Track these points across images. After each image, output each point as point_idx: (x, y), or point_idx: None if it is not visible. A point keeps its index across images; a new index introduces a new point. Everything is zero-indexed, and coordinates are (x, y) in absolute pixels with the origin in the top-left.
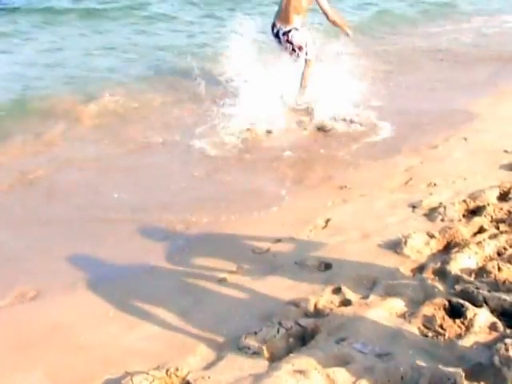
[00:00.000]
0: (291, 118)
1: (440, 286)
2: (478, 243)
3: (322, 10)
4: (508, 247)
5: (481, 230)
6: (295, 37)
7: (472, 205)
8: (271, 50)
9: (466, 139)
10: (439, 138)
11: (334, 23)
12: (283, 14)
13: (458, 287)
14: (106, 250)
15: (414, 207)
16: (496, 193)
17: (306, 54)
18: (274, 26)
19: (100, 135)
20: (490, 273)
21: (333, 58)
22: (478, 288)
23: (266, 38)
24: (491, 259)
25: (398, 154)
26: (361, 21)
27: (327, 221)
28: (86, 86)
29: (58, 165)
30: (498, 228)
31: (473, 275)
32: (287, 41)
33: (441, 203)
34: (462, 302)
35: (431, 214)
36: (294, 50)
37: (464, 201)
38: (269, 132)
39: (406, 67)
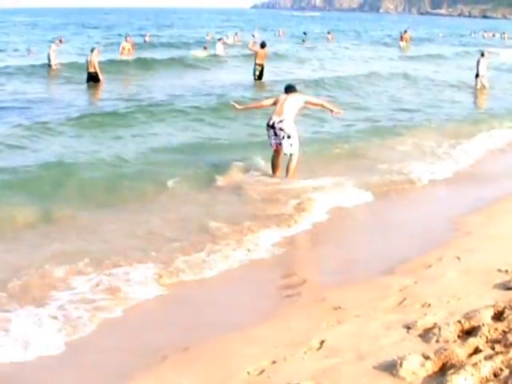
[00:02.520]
0: None
1: None
2: (474, 364)
3: (317, 105)
4: (504, 368)
5: (476, 351)
6: (287, 124)
7: (467, 325)
8: None
9: (459, 258)
10: (432, 257)
11: (324, 106)
12: (278, 110)
13: None
14: None
15: (408, 328)
16: (491, 313)
17: (291, 145)
18: (269, 119)
19: None
20: None
21: None
22: None
23: None
24: (487, 381)
25: (392, 273)
26: None
27: (322, 342)
28: None
29: None
30: (493, 348)
31: None
32: (280, 128)
33: (435, 324)
34: None
35: (426, 334)
36: (283, 137)
37: (459, 321)
38: None
39: None
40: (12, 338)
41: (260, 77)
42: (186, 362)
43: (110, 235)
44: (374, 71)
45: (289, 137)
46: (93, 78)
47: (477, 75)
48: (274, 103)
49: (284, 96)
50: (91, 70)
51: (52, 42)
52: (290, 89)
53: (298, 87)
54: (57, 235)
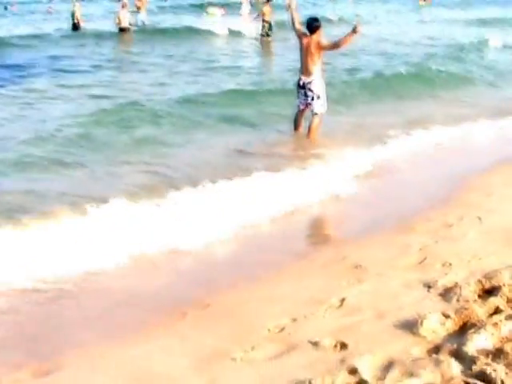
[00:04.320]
0: None
1: (457, 368)
2: (495, 324)
3: (332, 48)
4: None
5: (497, 311)
6: (316, 85)
7: (488, 285)
8: None
9: (480, 218)
10: (453, 216)
11: (346, 44)
12: (304, 68)
13: (475, 368)
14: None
15: (429, 287)
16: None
17: (321, 105)
18: (299, 79)
19: None
20: (508, 354)
21: None
22: (495, 370)
23: None
24: (508, 340)
25: (412, 232)
26: None
27: (342, 300)
28: None
29: None
30: None
31: (490, 356)
32: (310, 89)
33: (456, 283)
34: (479, 383)
35: (446, 294)
36: (313, 98)
37: (479, 281)
38: None
39: None
40: None
41: (268, 34)
42: (206, 319)
43: None
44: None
45: (318, 97)
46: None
47: None
48: (300, 37)
49: (306, 40)
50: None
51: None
52: (313, 26)
53: None
54: None
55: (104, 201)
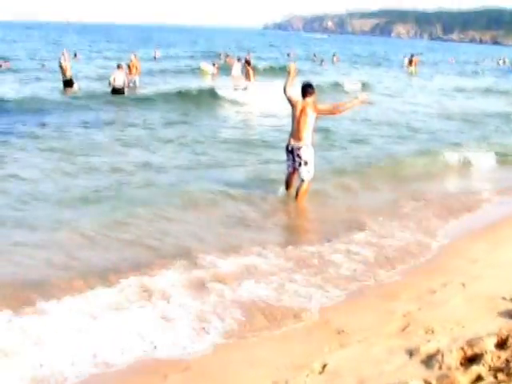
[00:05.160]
0: None
1: None
2: None
3: (328, 113)
4: None
5: (479, 379)
6: (305, 151)
7: (470, 352)
8: None
9: (463, 285)
10: (437, 283)
11: (345, 110)
12: (296, 133)
13: None
14: None
15: (411, 354)
16: (494, 340)
17: (308, 172)
18: (288, 143)
19: None
20: None
21: None
22: None
23: None
24: None
25: (396, 299)
26: None
27: (324, 366)
28: None
29: None
30: (496, 377)
31: None
32: (298, 155)
33: (438, 350)
34: None
35: (429, 361)
36: (300, 164)
37: (462, 348)
38: None
39: None
40: None
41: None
42: (187, 381)
43: None
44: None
45: (306, 163)
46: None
47: None
48: (292, 103)
49: (300, 103)
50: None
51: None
52: (307, 89)
53: None
54: None
55: None
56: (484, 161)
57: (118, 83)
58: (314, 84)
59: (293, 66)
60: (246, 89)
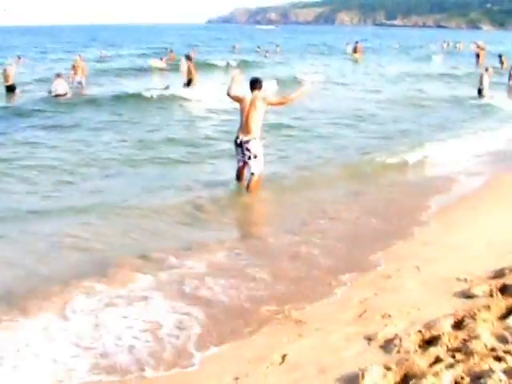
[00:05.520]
0: None
1: None
2: (435, 374)
3: (278, 104)
4: (465, 376)
5: (437, 360)
6: (254, 144)
7: (427, 335)
8: None
9: (418, 268)
10: (391, 268)
11: (294, 100)
12: (244, 127)
13: None
14: None
15: (369, 339)
16: (451, 321)
17: (257, 165)
18: (237, 137)
19: None
20: None
21: None
22: None
23: None
24: None
25: (351, 285)
26: None
27: (283, 356)
28: None
29: None
30: (454, 357)
31: None
32: (247, 149)
33: (396, 334)
34: None
35: (387, 345)
36: (250, 157)
37: (419, 331)
38: None
39: None
40: None
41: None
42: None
43: None
44: None
45: (255, 157)
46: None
47: (479, 91)
48: (238, 101)
49: (249, 97)
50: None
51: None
52: (255, 84)
53: None
54: None
55: None
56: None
57: (60, 91)
58: (261, 78)
59: (237, 74)
60: (167, 88)
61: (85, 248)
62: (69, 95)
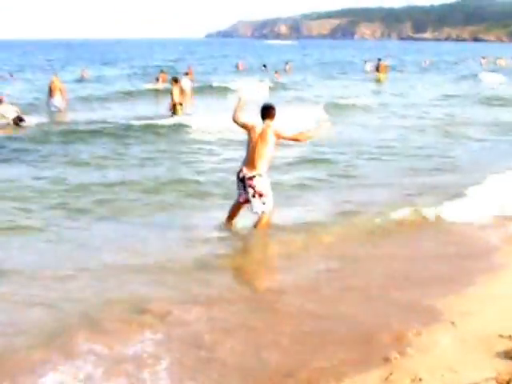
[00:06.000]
0: None
1: None
2: None
3: (291, 139)
4: None
5: None
6: (259, 181)
7: None
8: None
9: (453, 323)
10: (421, 322)
11: (308, 139)
12: (250, 161)
13: None
14: None
15: None
16: None
17: (264, 204)
18: (240, 171)
19: None
20: None
21: None
22: None
23: None
24: None
25: (374, 342)
26: None
27: None
28: None
29: None
30: None
31: None
32: (250, 186)
33: None
34: None
35: None
36: (254, 195)
37: None
38: None
39: None
40: None
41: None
42: None
43: None
44: None
45: (261, 195)
46: None
47: None
48: (247, 129)
49: (259, 127)
50: None
51: None
52: (268, 111)
53: None
54: None
55: None
56: None
57: (9, 116)
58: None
59: (243, 99)
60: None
61: None
62: (24, 121)
